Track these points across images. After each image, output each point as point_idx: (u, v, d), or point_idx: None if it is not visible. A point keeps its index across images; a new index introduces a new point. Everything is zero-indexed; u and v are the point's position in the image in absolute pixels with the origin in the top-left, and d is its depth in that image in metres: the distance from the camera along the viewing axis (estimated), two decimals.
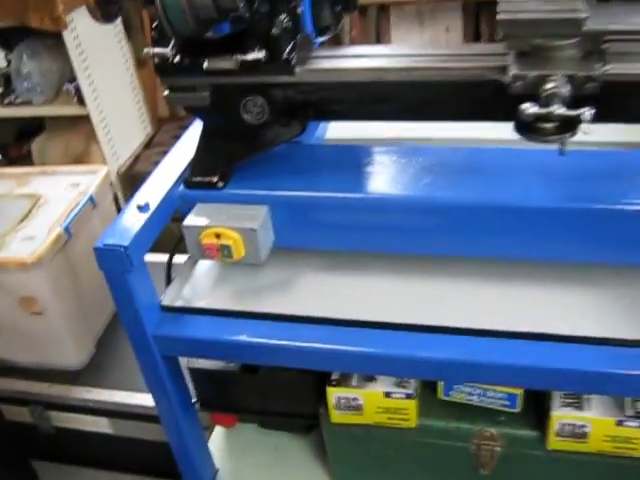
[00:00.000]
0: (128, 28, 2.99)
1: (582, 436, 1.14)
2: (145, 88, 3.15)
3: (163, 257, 1.26)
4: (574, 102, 0.91)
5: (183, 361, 1.32)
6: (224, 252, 1.11)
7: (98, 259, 1.09)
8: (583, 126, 0.93)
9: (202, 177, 1.17)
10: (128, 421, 1.77)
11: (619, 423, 1.11)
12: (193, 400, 1.38)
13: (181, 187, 1.18)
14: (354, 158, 1.20)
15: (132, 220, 1.11)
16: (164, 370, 1.23)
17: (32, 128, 2.92)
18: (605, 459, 1.17)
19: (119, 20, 2.89)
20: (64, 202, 1.75)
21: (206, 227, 1.11)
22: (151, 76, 3.15)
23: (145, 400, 1.69)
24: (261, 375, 1.32)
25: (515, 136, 0.99)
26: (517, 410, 1.19)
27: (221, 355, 1.22)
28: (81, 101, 2.65)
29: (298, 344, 1.11)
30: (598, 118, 0.99)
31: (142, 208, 1.13)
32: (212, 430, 1.56)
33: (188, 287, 1.23)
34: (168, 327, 1.17)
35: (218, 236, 1.10)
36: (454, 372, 1.08)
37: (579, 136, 0.94)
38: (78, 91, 2.65)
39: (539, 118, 0.94)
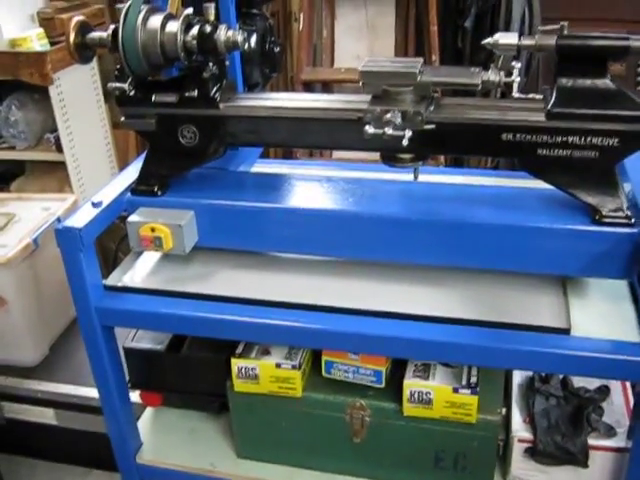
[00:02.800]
0: (107, 94, 3.37)
1: (428, 402, 1.44)
2: (118, 146, 3.51)
3: None
4: (418, 137, 1.27)
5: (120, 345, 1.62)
6: (156, 243, 1.42)
7: (57, 238, 1.40)
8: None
9: (145, 186, 1.49)
10: (72, 412, 2.03)
11: (455, 390, 1.42)
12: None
13: (128, 194, 1.51)
14: (268, 182, 1.54)
15: (87, 212, 1.44)
16: (102, 342, 1.51)
17: (13, 171, 3.25)
18: (448, 427, 1.47)
19: (100, 84, 3.28)
20: (35, 220, 2.07)
21: (144, 223, 1.42)
22: (125, 136, 3.53)
23: (88, 392, 1.97)
24: (183, 354, 1.63)
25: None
26: (382, 385, 1.50)
27: (149, 325, 1.53)
28: (59, 149, 3.01)
29: (211, 316, 1.42)
30: (436, 150, 1.35)
31: (95, 205, 1.45)
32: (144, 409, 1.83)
33: (129, 273, 1.54)
34: (108, 301, 1.47)
35: (153, 230, 1.42)
36: (331, 341, 1.40)
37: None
38: (57, 141, 3.01)
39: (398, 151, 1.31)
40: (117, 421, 1.64)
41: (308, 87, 2.93)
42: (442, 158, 2.70)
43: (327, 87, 2.96)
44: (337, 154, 2.95)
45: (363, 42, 3.08)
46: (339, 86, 3.02)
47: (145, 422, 1.80)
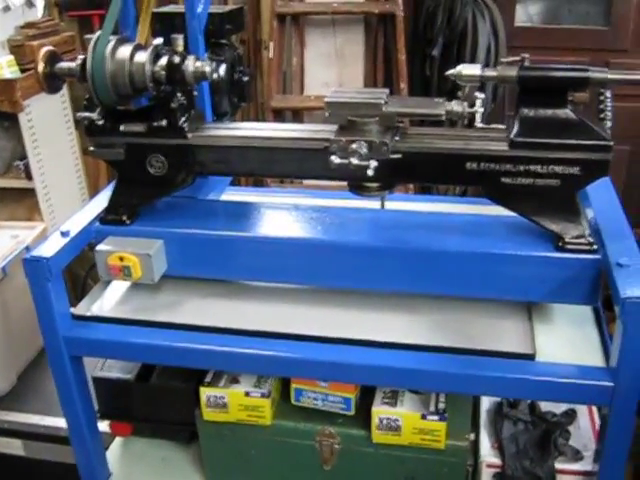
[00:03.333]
0: (77, 121, 3.37)
1: (397, 429, 1.45)
2: (88, 173, 3.50)
3: None
4: (385, 166, 1.29)
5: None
6: (125, 272, 1.42)
7: (25, 268, 1.39)
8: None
9: (114, 216, 1.49)
10: (40, 443, 2.01)
11: (423, 417, 1.43)
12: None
13: (97, 223, 1.51)
14: (237, 210, 1.55)
15: (56, 242, 1.43)
16: (71, 372, 1.50)
17: None
18: (417, 453, 1.47)
19: (70, 111, 3.28)
20: (3, 248, 2.06)
21: (112, 252, 1.42)
22: (95, 163, 3.52)
23: (56, 422, 1.95)
24: (152, 384, 1.62)
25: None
26: (351, 412, 1.50)
27: (118, 354, 1.52)
28: (29, 177, 2.99)
29: (180, 345, 1.41)
30: (402, 179, 1.37)
31: (64, 234, 1.45)
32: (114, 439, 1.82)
33: (98, 302, 1.54)
34: (77, 331, 1.46)
35: (121, 259, 1.42)
36: (300, 369, 1.40)
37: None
38: (27, 168, 3.00)
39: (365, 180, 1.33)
40: (86, 451, 1.62)
41: (278, 114, 2.96)
42: (411, 185, 2.73)
43: (297, 114, 3.00)
44: (308, 181, 2.97)
45: (332, 70, 3.12)
46: (309, 113, 3.06)
47: (114, 452, 1.79)
